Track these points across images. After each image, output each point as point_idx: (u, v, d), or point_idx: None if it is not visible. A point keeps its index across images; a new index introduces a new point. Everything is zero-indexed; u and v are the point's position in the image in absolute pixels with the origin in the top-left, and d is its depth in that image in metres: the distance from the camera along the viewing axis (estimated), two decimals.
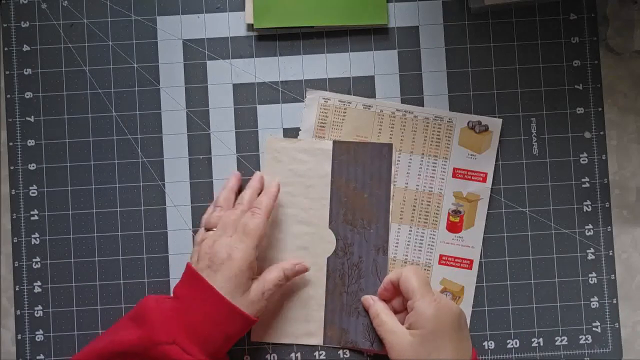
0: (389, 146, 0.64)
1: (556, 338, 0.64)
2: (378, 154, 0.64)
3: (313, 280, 0.63)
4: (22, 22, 0.65)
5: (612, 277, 0.64)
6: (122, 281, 0.64)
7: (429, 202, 0.64)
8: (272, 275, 0.59)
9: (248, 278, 0.57)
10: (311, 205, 0.64)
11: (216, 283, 0.55)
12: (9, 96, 0.65)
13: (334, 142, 0.64)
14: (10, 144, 0.65)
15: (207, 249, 0.57)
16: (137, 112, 0.65)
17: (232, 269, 0.56)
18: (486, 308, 0.64)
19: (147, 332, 0.54)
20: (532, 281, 0.64)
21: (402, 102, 0.65)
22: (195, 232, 0.64)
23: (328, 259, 0.63)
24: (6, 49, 0.65)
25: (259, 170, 0.64)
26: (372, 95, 0.65)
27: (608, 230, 0.65)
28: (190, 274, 0.57)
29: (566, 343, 0.64)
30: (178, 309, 0.55)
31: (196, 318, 0.55)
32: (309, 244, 0.64)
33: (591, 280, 0.64)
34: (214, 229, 0.59)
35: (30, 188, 0.64)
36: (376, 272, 0.63)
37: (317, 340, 0.63)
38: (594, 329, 0.64)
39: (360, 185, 0.64)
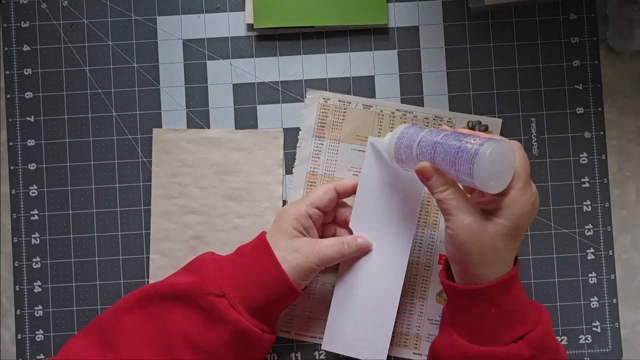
0: None
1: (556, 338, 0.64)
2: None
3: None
4: (22, 22, 0.65)
5: (612, 277, 0.64)
6: (122, 281, 0.64)
7: (429, 202, 0.64)
8: (329, 241, 0.58)
9: (293, 227, 0.57)
10: (202, 194, 0.64)
11: (268, 232, 0.58)
12: (9, 96, 0.65)
13: None
14: (10, 144, 0.65)
15: None
16: (137, 112, 0.65)
17: (279, 214, 0.59)
18: None
19: (199, 280, 0.54)
20: (532, 281, 0.64)
21: (402, 102, 0.65)
22: None
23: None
24: (6, 49, 0.65)
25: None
26: (372, 95, 0.65)
27: (608, 230, 0.65)
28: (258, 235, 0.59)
29: (566, 343, 0.64)
30: (234, 263, 0.56)
31: (244, 273, 0.55)
32: (201, 233, 0.64)
33: (591, 280, 0.64)
34: None
35: (30, 188, 0.64)
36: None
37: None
38: (593, 328, 0.64)
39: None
